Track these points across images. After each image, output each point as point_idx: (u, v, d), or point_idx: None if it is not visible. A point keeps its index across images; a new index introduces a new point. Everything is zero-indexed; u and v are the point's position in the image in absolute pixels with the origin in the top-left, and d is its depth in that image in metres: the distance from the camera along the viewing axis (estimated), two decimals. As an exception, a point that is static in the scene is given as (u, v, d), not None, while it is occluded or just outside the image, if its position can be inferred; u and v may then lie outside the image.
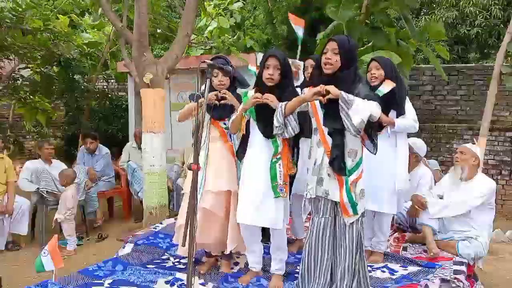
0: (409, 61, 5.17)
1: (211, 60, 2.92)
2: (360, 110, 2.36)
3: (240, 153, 2.95)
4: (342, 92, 2.40)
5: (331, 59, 2.46)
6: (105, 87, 8.61)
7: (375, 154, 2.62)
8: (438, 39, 5.73)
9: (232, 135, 3.05)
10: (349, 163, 2.50)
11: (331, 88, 2.41)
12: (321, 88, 2.43)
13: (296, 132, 2.64)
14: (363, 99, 2.42)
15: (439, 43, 5.87)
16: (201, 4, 6.65)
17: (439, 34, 5.36)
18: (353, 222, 2.54)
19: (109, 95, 8.40)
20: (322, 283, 2.57)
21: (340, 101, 2.40)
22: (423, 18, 8.95)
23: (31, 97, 6.63)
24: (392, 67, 3.20)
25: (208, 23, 7.18)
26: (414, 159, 3.96)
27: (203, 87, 2.43)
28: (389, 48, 4.82)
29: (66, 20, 6.51)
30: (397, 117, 3.14)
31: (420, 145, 4.09)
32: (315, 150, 2.62)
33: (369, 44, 5.07)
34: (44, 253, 2.92)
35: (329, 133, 2.53)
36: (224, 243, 3.05)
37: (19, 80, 6.65)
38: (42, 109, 6.76)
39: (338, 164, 2.47)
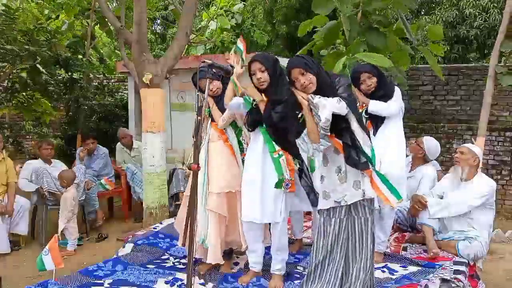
0: (406, 61, 5.15)
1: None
2: (323, 109, 2.32)
3: None
4: (309, 97, 2.37)
5: (305, 82, 2.39)
6: (104, 82, 8.56)
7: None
8: (436, 39, 5.72)
9: (230, 135, 3.06)
10: (369, 152, 2.45)
11: (302, 98, 2.40)
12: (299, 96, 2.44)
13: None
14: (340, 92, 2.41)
15: (435, 43, 5.85)
16: (202, 5, 6.65)
17: (438, 35, 5.35)
18: (369, 221, 2.50)
19: (107, 90, 8.36)
20: (332, 282, 2.57)
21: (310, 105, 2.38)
22: (423, 18, 8.95)
23: (30, 100, 6.56)
24: (378, 69, 3.27)
25: (208, 23, 7.19)
26: (420, 154, 3.95)
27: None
28: (387, 49, 4.81)
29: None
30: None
31: (432, 146, 3.96)
32: (335, 157, 2.53)
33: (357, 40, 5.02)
34: (45, 252, 2.93)
35: (336, 136, 2.47)
36: (227, 242, 3.09)
37: (17, 83, 6.60)
38: (41, 111, 6.71)
39: (355, 159, 2.40)
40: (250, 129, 2.88)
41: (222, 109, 3.01)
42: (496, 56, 4.92)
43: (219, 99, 3.05)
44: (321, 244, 2.58)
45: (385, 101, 3.15)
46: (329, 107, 2.33)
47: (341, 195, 2.50)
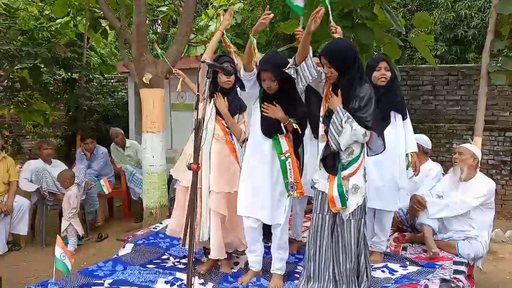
0: (396, 53, 5.14)
1: (215, 59, 2.94)
2: (348, 137, 2.47)
3: None
4: (339, 110, 2.49)
5: (327, 72, 2.56)
6: (104, 82, 8.55)
7: (382, 151, 2.70)
8: (424, 27, 5.70)
9: (233, 135, 3.05)
10: (344, 159, 2.55)
11: (332, 101, 2.55)
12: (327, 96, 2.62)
13: (309, 81, 2.62)
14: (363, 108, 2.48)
15: (426, 33, 5.83)
16: (202, 5, 6.64)
17: (425, 23, 5.32)
18: (352, 220, 2.56)
19: (107, 90, 8.36)
20: (325, 280, 2.60)
21: (334, 117, 2.50)
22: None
23: (29, 100, 6.55)
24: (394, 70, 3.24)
25: (208, 23, 7.18)
26: (421, 154, 3.95)
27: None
28: (376, 43, 4.78)
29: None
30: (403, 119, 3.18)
31: (420, 138, 4.01)
32: (319, 144, 2.68)
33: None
34: (63, 256, 2.92)
35: (325, 131, 2.59)
36: (226, 244, 3.06)
37: (17, 82, 6.58)
38: (40, 111, 6.70)
39: (330, 162, 2.56)
40: (268, 136, 2.81)
41: (231, 103, 3.00)
42: (488, 55, 4.91)
43: (229, 92, 3.03)
44: (308, 241, 2.71)
45: (402, 111, 3.15)
46: (352, 137, 2.47)
47: (316, 179, 2.67)
